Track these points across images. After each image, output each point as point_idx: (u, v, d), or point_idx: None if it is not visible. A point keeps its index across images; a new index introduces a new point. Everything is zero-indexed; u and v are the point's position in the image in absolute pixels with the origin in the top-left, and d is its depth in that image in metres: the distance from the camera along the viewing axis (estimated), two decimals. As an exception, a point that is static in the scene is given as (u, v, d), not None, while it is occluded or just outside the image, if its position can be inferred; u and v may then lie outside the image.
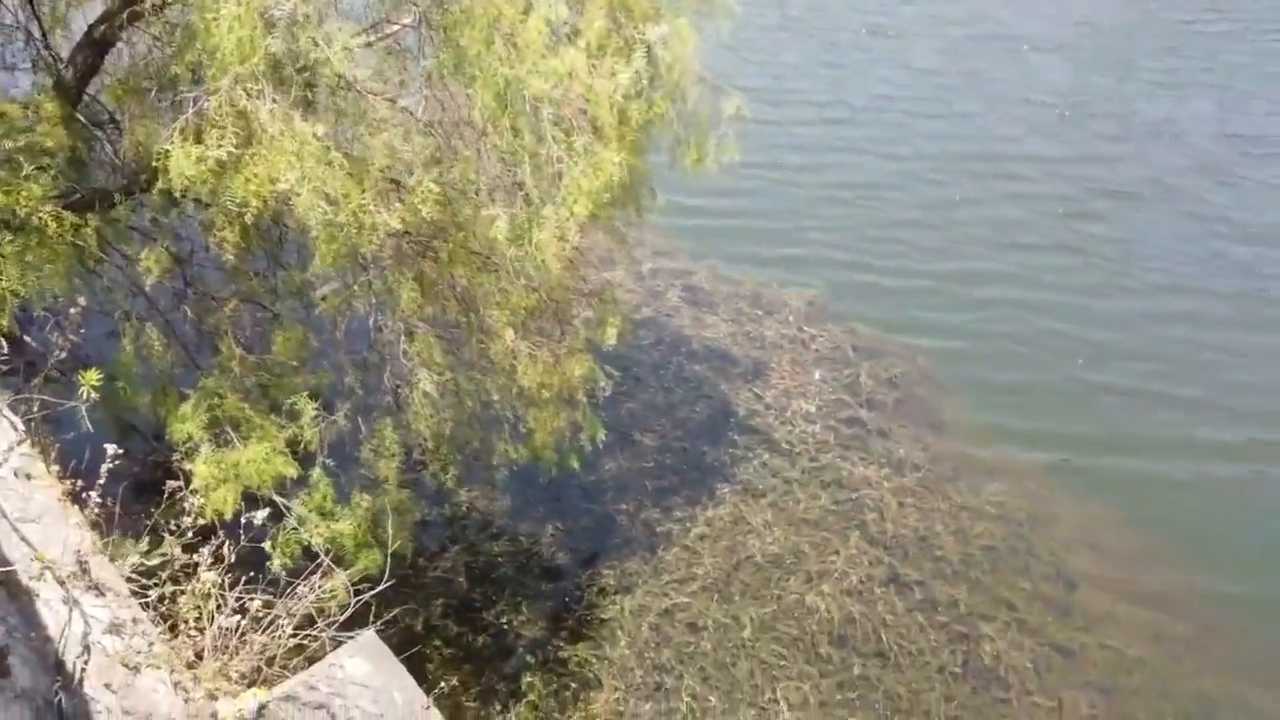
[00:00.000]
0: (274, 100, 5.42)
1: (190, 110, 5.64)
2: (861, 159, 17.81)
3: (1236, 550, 10.61)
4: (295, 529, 7.09)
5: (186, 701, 4.35)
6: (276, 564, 6.73)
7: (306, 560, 6.40)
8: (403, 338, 7.30)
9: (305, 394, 7.36)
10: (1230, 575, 10.31)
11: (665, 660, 9.20)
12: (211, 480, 6.91)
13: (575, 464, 8.49)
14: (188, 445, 7.08)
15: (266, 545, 6.62)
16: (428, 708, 5.87)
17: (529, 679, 8.89)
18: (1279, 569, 10.40)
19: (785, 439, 11.95)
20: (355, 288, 7.33)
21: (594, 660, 9.14)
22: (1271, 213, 16.40)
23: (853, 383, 12.85)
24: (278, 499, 7.23)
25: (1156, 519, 10.91)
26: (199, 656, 4.77)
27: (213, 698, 4.46)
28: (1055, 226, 16.01)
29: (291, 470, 7.16)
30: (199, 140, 5.71)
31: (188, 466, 6.96)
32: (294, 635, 5.77)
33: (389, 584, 5.86)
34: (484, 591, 9.71)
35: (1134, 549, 10.69)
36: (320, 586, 6.14)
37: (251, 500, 6.84)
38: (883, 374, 13.03)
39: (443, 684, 8.50)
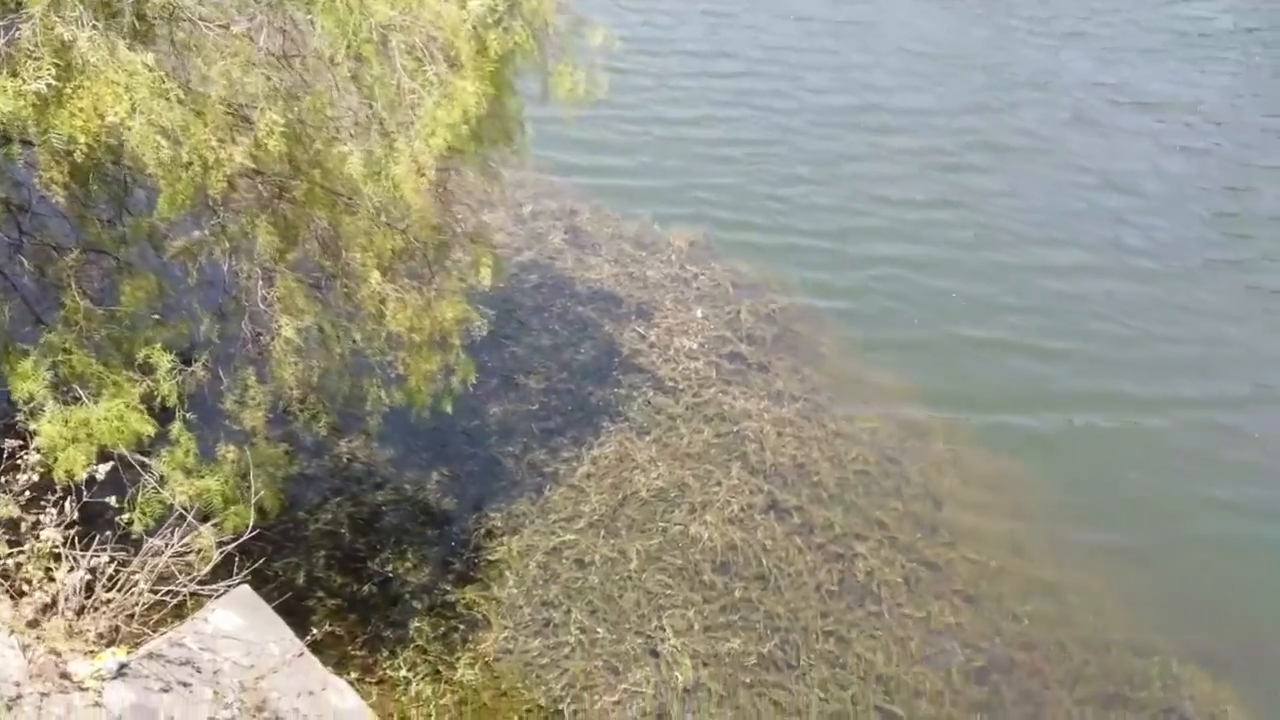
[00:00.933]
0: (94, 27, 5.05)
1: (1, 40, 5.21)
2: (742, 111, 17.85)
3: (1095, 477, 11.28)
4: (156, 488, 6.81)
5: (30, 662, 4.17)
6: (137, 525, 6.49)
7: (177, 521, 6.19)
8: (261, 283, 7.02)
9: (160, 346, 7.01)
10: (1085, 497, 11.02)
11: (553, 596, 9.32)
12: (60, 440, 6.55)
13: (448, 407, 8.39)
14: (31, 405, 6.68)
15: (122, 503, 6.37)
16: (300, 655, 5.82)
17: (416, 624, 8.87)
18: (1133, 503, 11.14)
19: (669, 376, 12.10)
20: (207, 232, 6.99)
21: (482, 601, 9.19)
22: (1140, 162, 17.16)
23: (733, 319, 13.08)
24: (137, 458, 6.92)
25: (1018, 448, 11.55)
26: (44, 615, 4.56)
27: (55, 654, 4.28)
28: (932, 179, 16.40)
29: (148, 427, 6.83)
30: (14, 74, 5.29)
31: (33, 427, 6.58)
32: (154, 592, 5.59)
33: (267, 538, 5.72)
34: (369, 541, 9.60)
35: (996, 471, 11.32)
36: (182, 543, 5.96)
37: (109, 460, 6.53)
38: (762, 310, 13.30)
39: (326, 633, 8.48)
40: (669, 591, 9.48)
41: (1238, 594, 9.96)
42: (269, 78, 5.71)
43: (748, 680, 8.79)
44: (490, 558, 9.63)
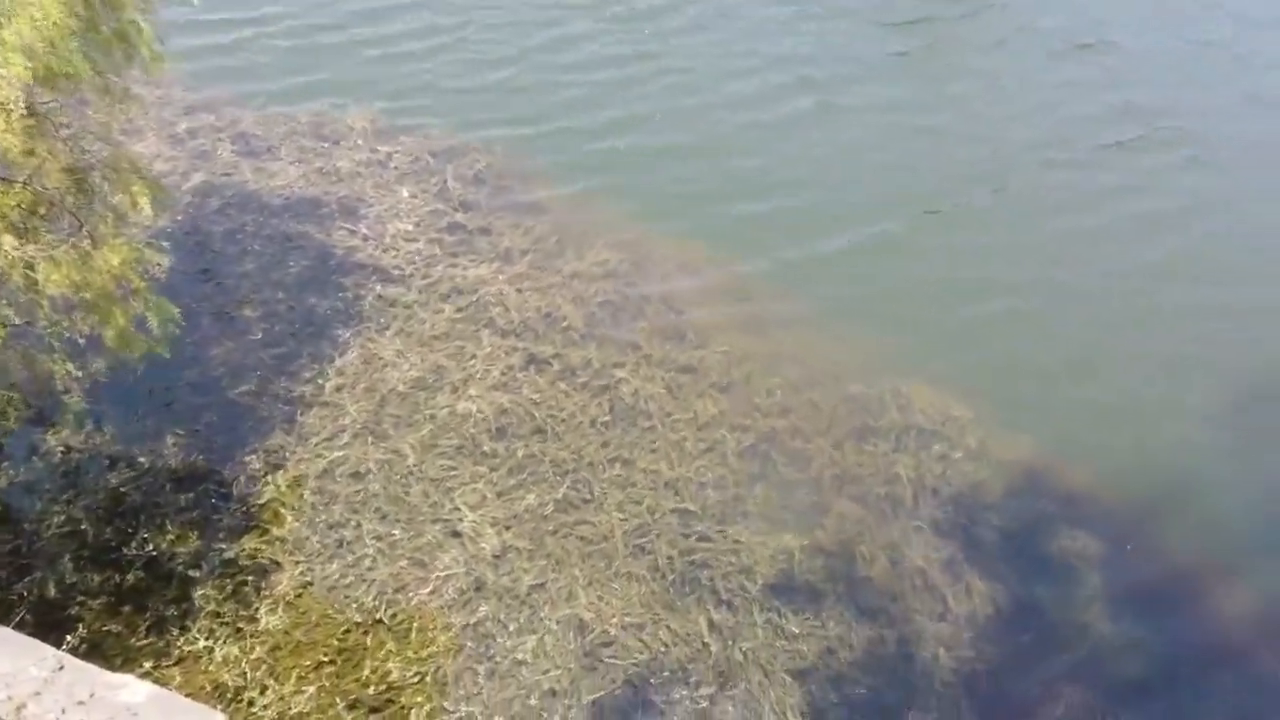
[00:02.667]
0: None
1: None
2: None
3: (803, 254, 12.14)
4: None
5: None
6: None
7: None
8: None
9: None
10: (797, 271, 11.90)
11: (338, 517, 9.02)
12: None
13: (164, 352, 7.65)
14: None
15: None
16: (61, 668, 5.31)
17: (201, 592, 8.32)
18: (827, 263, 12.15)
19: (393, 264, 11.61)
20: None
21: (264, 547, 8.73)
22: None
23: (442, 189, 12.63)
24: None
25: (737, 240, 12.19)
26: None
27: None
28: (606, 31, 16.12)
29: None
30: None
31: None
32: None
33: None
34: (117, 528, 8.75)
35: (720, 267, 11.95)
36: None
37: None
38: (468, 173, 12.92)
39: (100, 633, 7.80)
40: (454, 473, 9.44)
41: (931, 313, 11.33)
42: None
43: (551, 528, 9.06)
44: (259, 501, 9.10)
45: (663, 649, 8.23)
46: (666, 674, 8.08)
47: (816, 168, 13.38)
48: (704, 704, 7.91)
